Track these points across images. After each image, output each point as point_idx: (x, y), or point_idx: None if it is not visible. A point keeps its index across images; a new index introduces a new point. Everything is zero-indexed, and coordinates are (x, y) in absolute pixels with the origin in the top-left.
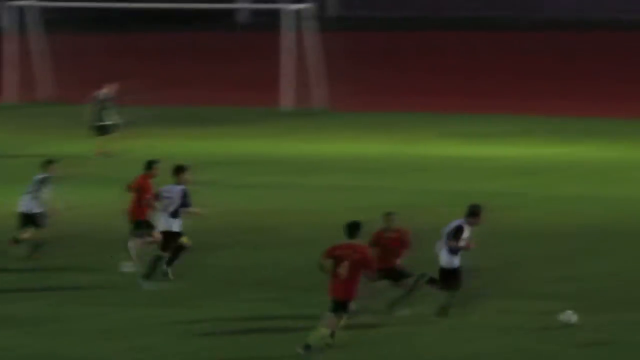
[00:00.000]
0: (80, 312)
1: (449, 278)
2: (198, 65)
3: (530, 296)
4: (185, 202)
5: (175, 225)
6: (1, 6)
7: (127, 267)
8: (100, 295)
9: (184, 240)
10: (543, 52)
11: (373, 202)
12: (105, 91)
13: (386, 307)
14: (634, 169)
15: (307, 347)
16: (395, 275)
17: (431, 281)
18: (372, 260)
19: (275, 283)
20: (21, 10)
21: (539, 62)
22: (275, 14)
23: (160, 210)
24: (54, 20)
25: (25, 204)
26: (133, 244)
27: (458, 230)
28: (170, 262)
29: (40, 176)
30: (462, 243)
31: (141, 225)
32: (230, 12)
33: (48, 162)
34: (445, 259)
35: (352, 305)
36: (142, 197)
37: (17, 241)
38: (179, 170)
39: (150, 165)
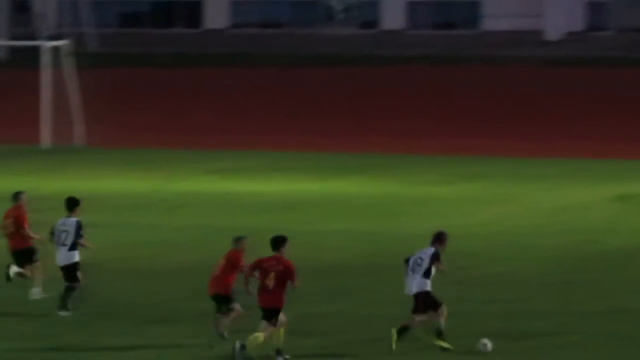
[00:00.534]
0: None
1: (426, 300)
2: None
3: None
4: (80, 234)
5: (75, 257)
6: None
7: (36, 294)
8: None
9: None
10: (299, 88)
11: (134, 239)
12: None
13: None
14: (397, 204)
15: (243, 346)
16: (224, 300)
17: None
18: (295, 271)
19: None
20: None
21: (294, 98)
22: (34, 51)
23: (58, 245)
24: None
25: None
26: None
27: (438, 255)
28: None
29: None
30: (444, 266)
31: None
32: None
33: None
34: (420, 284)
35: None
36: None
37: None
38: (73, 204)
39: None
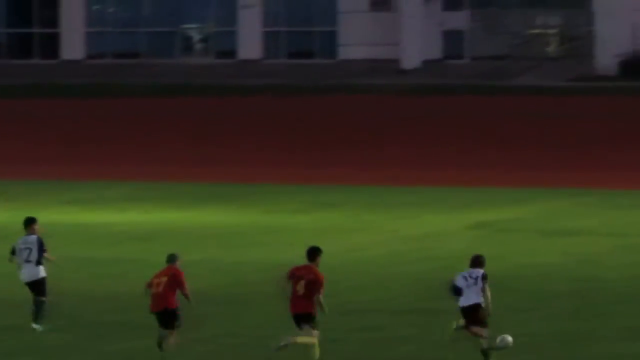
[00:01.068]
0: None
1: (474, 313)
2: None
3: None
4: (43, 249)
5: (42, 272)
6: None
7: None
8: None
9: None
10: (157, 118)
11: None
12: None
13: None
14: (255, 233)
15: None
16: (170, 315)
17: None
18: (323, 282)
19: None
20: None
21: (153, 128)
22: None
23: (21, 263)
24: None
25: None
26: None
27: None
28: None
29: None
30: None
31: None
32: None
33: None
34: (474, 299)
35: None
36: None
37: None
38: (30, 222)
39: None
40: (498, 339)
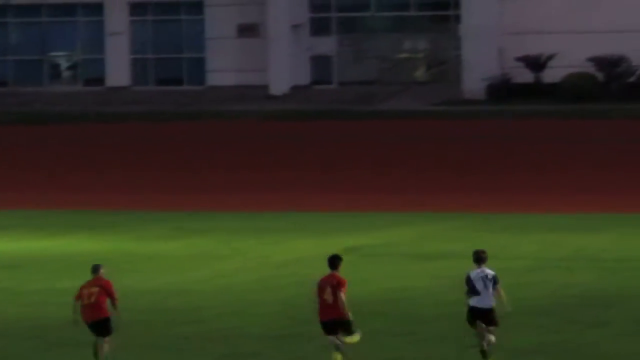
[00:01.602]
0: None
1: (490, 316)
2: None
3: None
4: None
5: None
6: None
7: None
8: None
9: None
10: (24, 146)
11: None
12: None
13: None
14: (127, 260)
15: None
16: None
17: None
18: (345, 284)
19: None
20: None
21: (22, 156)
22: None
23: None
24: None
25: None
26: None
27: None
28: None
29: None
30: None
31: None
32: None
33: None
34: (488, 301)
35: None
36: None
37: None
38: None
39: None
40: (485, 343)
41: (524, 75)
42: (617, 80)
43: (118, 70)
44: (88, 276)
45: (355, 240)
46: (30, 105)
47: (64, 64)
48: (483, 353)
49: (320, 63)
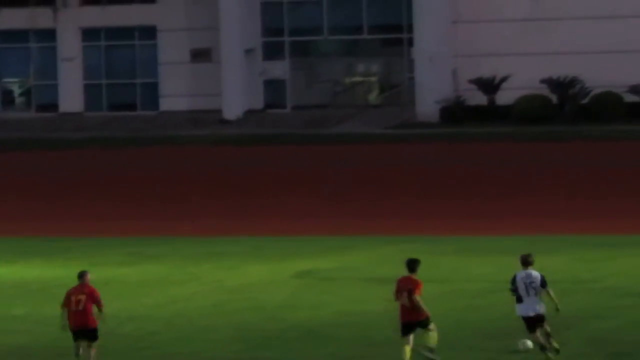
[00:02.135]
0: None
1: (537, 322)
2: None
3: None
4: None
5: None
6: None
7: None
8: None
9: None
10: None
11: None
12: None
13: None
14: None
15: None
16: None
17: None
18: (418, 285)
19: None
20: None
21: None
22: None
23: None
24: None
25: None
26: None
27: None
28: None
29: None
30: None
31: None
32: None
33: None
34: (538, 308)
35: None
36: None
37: None
38: None
39: None
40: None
41: (478, 98)
42: (570, 102)
43: (71, 96)
44: (43, 302)
45: (310, 264)
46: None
47: (16, 90)
48: (544, 348)
49: (273, 87)
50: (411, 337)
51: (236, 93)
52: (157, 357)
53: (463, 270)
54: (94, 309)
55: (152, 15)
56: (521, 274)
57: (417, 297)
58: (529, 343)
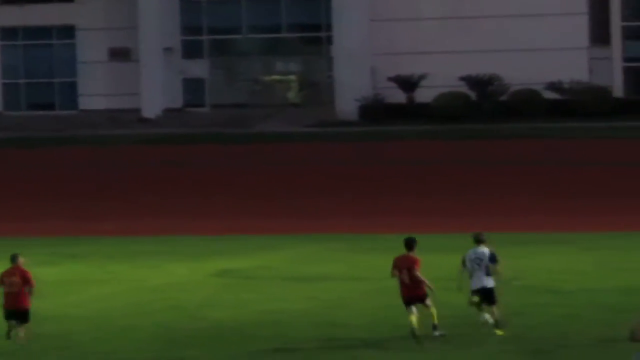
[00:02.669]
0: None
1: (491, 295)
2: None
3: None
4: None
5: None
6: None
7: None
8: None
9: None
10: None
11: None
12: None
13: None
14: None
15: (435, 326)
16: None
17: None
18: (418, 262)
19: None
20: None
21: None
22: None
23: None
24: None
25: None
26: None
27: (495, 255)
28: None
29: None
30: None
31: None
32: None
33: None
34: (485, 281)
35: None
36: None
37: None
38: None
39: None
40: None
41: (397, 96)
42: (489, 99)
43: None
44: None
45: (231, 263)
46: None
47: None
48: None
49: (192, 86)
50: (414, 307)
51: (155, 92)
52: (77, 356)
53: (385, 268)
54: (27, 289)
55: (70, 14)
56: (470, 253)
57: (419, 274)
58: (487, 316)
